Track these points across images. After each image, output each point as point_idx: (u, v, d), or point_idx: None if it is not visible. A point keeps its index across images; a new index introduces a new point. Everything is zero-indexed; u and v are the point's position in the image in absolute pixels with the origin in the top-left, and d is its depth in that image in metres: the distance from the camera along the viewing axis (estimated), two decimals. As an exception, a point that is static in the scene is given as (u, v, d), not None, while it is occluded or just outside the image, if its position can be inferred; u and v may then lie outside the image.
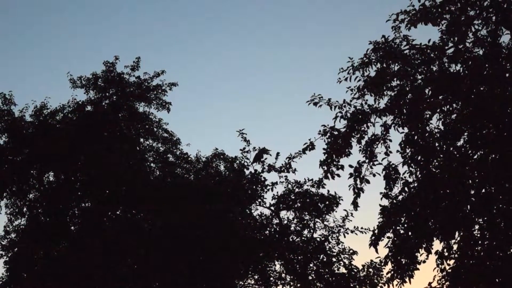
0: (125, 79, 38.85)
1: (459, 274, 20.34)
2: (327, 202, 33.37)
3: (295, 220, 33.92)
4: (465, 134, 20.76)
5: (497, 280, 19.91)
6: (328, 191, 33.45)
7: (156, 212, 34.48)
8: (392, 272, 21.58)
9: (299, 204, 33.61)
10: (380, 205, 21.72)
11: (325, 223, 33.72)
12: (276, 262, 34.38)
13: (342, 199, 33.53)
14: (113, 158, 35.54)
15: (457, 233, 20.62)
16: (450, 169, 20.43)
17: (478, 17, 21.20)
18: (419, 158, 21.07)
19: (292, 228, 33.93)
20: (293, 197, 33.66)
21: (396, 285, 21.67)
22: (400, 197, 21.50)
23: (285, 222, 33.95)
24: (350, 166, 21.78)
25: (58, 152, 36.16)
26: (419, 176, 21.21)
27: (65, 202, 37.08)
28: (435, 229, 20.74)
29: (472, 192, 20.39)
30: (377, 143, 21.76)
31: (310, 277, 33.27)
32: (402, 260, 21.43)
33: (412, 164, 21.21)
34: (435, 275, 21.20)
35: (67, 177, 37.60)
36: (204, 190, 33.82)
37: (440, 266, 21.05)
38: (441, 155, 20.90)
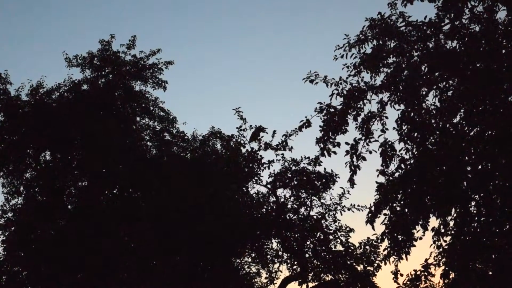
0: (121, 58, 38.78)
1: (456, 251, 20.39)
2: (323, 180, 33.42)
3: (292, 198, 34.00)
4: (462, 110, 20.75)
5: (493, 256, 19.97)
6: (325, 168, 33.56)
7: (152, 191, 34.49)
8: (388, 249, 21.65)
9: (295, 182, 33.66)
10: (377, 182, 21.77)
11: (322, 200, 33.81)
12: (273, 240, 34.49)
13: (338, 177, 33.63)
14: (109, 136, 35.48)
15: (453, 210, 20.66)
16: (447, 146, 20.43)
17: (474, -7, 21.15)
18: (415, 135, 21.07)
19: (288, 206, 33.99)
20: (290, 175, 33.71)
21: (393, 261, 21.76)
22: (396, 174, 21.52)
23: (282, 200, 34.02)
24: (347, 143, 21.79)
25: (54, 131, 36.12)
26: (416, 153, 21.22)
27: (62, 181, 37.09)
28: (431, 206, 20.77)
29: (469, 168, 20.41)
30: (373, 120, 21.76)
31: (307, 255, 33.38)
32: (398, 237, 21.48)
33: (408, 141, 21.21)
34: (431, 252, 21.31)
35: (64, 156, 37.57)
36: (200, 168, 33.83)
37: (436, 242, 21.12)
38: (438, 132, 20.90)
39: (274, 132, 32.73)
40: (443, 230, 20.94)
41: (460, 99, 20.54)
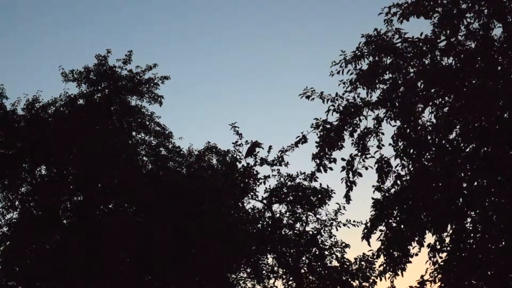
0: (117, 73, 38.79)
1: (451, 267, 20.37)
2: (319, 195, 33.38)
3: (288, 213, 33.94)
4: (457, 127, 20.78)
5: (489, 273, 19.95)
6: (321, 184, 33.50)
7: (148, 206, 34.44)
8: (384, 265, 21.60)
9: (291, 198, 33.62)
10: (373, 198, 21.74)
11: (318, 216, 33.76)
12: (269, 256, 34.41)
13: (334, 192, 33.57)
14: (105, 151, 35.46)
15: (449, 226, 20.66)
16: (442, 162, 20.45)
17: (470, 10, 21.22)
18: (411, 151, 21.10)
19: (284, 222, 33.95)
20: (286, 191, 33.66)
21: (389, 278, 21.69)
22: (392, 190, 21.52)
23: (278, 215, 33.96)
24: (343, 159, 21.80)
25: (50, 145, 36.09)
26: (412, 169, 21.24)
27: (57, 196, 37.02)
28: (427, 222, 20.77)
29: (464, 185, 20.42)
30: (369, 136, 21.78)
31: (302, 271, 33.31)
32: (394, 253, 21.44)
33: (404, 157, 21.23)
34: (427, 268, 21.24)
35: (59, 170, 37.54)
36: (196, 183, 33.80)
37: (432, 259, 21.06)
38: (433, 148, 20.93)
39: (270, 147, 32.75)
40: (439, 247, 20.91)
41: (456, 116, 20.58)
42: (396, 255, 21.43)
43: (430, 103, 21.19)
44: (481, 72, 20.24)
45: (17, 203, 37.39)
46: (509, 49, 20.45)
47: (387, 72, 21.70)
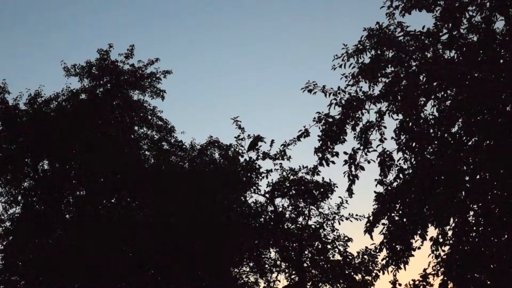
0: (119, 67, 38.78)
1: (454, 261, 20.36)
2: (322, 189, 33.39)
3: (290, 207, 33.96)
4: (460, 120, 20.76)
5: (491, 266, 19.94)
6: (323, 178, 33.54)
7: (150, 200, 34.44)
8: (387, 258, 21.60)
9: (294, 192, 33.63)
10: (375, 192, 21.73)
11: (320, 210, 33.79)
12: (271, 250, 34.44)
13: (337, 186, 33.60)
14: (107, 146, 35.47)
15: (452, 220, 20.64)
16: (445, 155, 20.43)
17: (472, 3, 21.19)
18: (413, 144, 21.08)
19: (287, 216, 33.96)
20: (288, 185, 33.67)
21: (391, 271, 21.70)
22: (395, 184, 21.51)
23: (280, 209, 33.98)
24: (345, 153, 21.79)
25: (52, 140, 36.10)
26: (414, 162, 21.22)
27: (60, 190, 37.05)
28: (430, 216, 20.75)
29: (467, 178, 20.40)
30: (371, 130, 21.76)
31: (305, 264, 33.34)
32: (397, 246, 21.44)
33: (406, 151, 21.22)
34: (430, 262, 21.23)
35: (62, 165, 37.54)
36: (198, 177, 33.80)
37: (435, 252, 21.03)
38: (436, 142, 20.90)
39: (272, 141, 32.75)
40: (441, 240, 20.89)
41: (458, 109, 20.55)
42: (398, 249, 21.44)
43: (433, 97, 21.17)
44: (483, 65, 20.20)
45: (19, 197, 37.43)
46: (512, 42, 20.45)
47: (389, 66, 21.68)
